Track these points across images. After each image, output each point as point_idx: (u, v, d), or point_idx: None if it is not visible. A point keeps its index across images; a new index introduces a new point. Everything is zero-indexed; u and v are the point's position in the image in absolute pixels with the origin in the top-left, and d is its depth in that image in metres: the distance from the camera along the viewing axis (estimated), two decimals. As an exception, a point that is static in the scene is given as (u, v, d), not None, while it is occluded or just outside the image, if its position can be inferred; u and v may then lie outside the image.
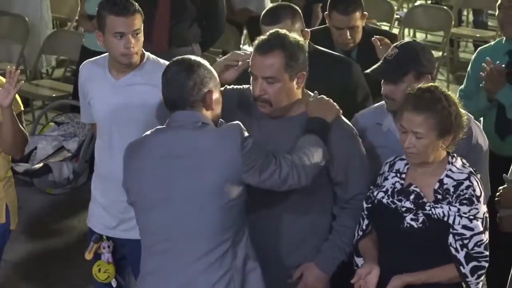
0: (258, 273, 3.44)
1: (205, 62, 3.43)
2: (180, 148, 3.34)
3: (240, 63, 3.79)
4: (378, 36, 4.60)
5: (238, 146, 3.30)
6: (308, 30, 4.35)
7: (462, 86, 4.80)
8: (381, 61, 3.79)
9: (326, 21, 4.84)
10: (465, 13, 10.83)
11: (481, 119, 4.64)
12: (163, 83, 3.43)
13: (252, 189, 3.39)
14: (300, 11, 4.29)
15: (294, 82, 3.57)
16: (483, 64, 4.50)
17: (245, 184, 3.34)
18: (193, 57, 3.46)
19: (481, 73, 4.50)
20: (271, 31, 3.61)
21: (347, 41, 4.76)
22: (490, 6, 9.93)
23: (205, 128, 3.36)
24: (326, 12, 4.83)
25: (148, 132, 3.46)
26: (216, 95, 3.41)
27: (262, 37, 3.59)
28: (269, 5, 7.82)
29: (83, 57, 6.91)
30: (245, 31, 8.58)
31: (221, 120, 3.47)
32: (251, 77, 3.61)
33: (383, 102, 3.86)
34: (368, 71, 3.84)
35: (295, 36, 3.61)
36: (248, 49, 7.95)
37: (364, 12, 4.80)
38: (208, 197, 3.29)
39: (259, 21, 4.28)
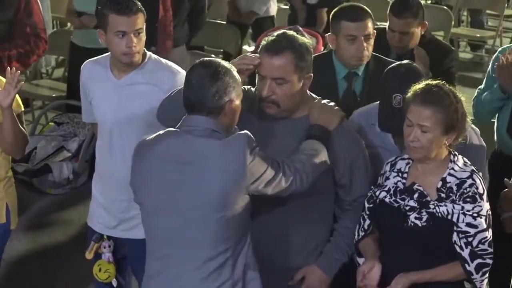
0: (258, 283, 3.40)
1: (232, 67, 3.34)
2: (187, 154, 3.26)
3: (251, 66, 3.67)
4: (417, 47, 4.68)
5: (244, 157, 3.23)
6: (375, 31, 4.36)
7: (481, 86, 4.76)
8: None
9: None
10: (464, 13, 10.83)
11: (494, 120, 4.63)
12: (185, 81, 3.34)
13: (255, 195, 3.34)
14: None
15: (302, 84, 3.57)
16: (500, 55, 4.46)
17: (250, 194, 3.29)
18: (221, 61, 3.35)
19: (496, 64, 4.46)
20: (277, 32, 3.59)
21: (396, 44, 4.78)
22: (489, 6, 9.96)
23: (214, 136, 3.26)
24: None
25: (161, 132, 3.38)
26: (236, 103, 3.32)
27: (269, 37, 3.57)
28: (274, 7, 8.03)
29: (72, 55, 6.92)
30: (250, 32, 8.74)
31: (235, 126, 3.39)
32: (258, 77, 3.59)
33: (377, 102, 3.86)
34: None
35: (302, 37, 3.60)
36: (249, 49, 8.05)
37: (424, 21, 4.80)
38: (211, 206, 3.23)
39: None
